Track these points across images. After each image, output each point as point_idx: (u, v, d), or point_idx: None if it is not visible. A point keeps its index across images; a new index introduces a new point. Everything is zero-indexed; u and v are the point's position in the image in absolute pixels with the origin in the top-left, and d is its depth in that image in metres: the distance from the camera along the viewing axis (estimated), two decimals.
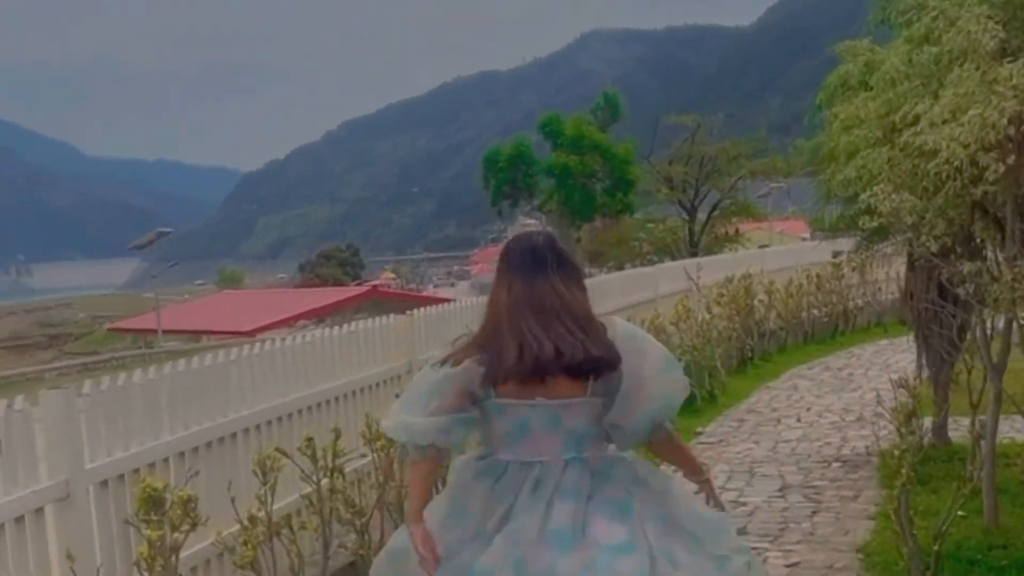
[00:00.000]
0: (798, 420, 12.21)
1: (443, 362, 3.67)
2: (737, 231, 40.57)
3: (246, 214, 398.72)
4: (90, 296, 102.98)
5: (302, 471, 5.79)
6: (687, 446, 4.17)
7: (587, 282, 3.85)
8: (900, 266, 19.80)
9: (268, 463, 5.32)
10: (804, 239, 61.69)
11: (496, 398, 3.63)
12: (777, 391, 14.20)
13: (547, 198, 41.11)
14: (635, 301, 14.05)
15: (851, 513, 8.35)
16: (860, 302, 19.97)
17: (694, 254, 34.70)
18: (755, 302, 16.58)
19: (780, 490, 9.15)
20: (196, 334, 39.47)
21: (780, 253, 22.13)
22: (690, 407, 12.85)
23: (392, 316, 7.72)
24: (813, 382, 14.86)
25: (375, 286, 54.11)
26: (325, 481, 5.89)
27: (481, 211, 43.90)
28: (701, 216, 39.47)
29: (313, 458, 5.75)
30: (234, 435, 5.84)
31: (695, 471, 4.03)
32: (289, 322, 36.44)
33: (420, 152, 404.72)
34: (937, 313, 9.35)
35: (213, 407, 5.66)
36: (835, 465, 9.94)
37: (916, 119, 5.80)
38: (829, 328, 19.15)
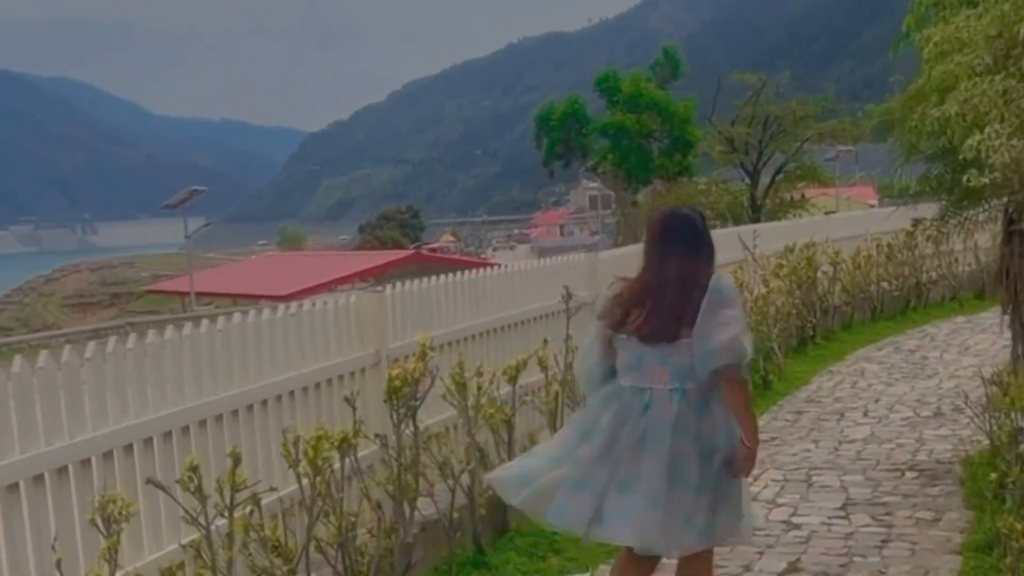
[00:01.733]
0: (865, 414, 10.54)
1: (599, 316, 4.90)
2: (803, 196, 38.43)
3: (310, 175, 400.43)
4: (153, 254, 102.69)
5: (185, 511, 4.24)
6: (745, 409, 4.78)
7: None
8: (980, 235, 18.17)
9: (115, 507, 3.75)
10: (872, 206, 59.77)
11: (622, 335, 4.76)
12: (841, 376, 12.58)
13: (601, 158, 39.21)
14: None
15: (931, 543, 6.75)
16: (934, 275, 18.32)
17: (756, 220, 32.87)
18: (818, 274, 14.85)
19: (842, 508, 7.56)
20: (232, 297, 38.12)
21: (847, 220, 20.26)
22: None
23: (355, 295, 6.16)
24: (882, 366, 13.17)
25: (418, 250, 52.35)
26: (222, 522, 4.34)
27: (544, 174, 42.53)
28: (765, 180, 37.46)
29: (199, 493, 4.20)
30: (86, 462, 4.27)
31: (747, 434, 4.71)
32: (329, 286, 34.98)
33: (485, 114, 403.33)
34: None
35: (49, 428, 4.09)
36: (909, 475, 8.31)
37: None
38: (900, 303, 17.50)
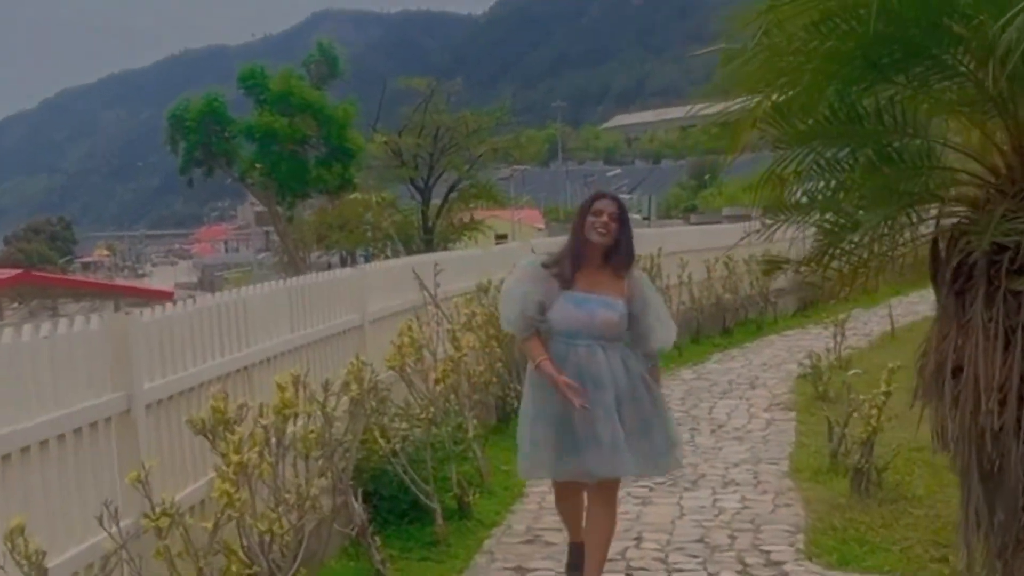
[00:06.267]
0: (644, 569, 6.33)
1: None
2: (472, 218, 34.42)
3: None
4: None
5: None
6: None
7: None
8: (694, 267, 14.59)
9: None
10: (540, 230, 57.46)
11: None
12: None
13: (249, 167, 34.05)
14: (323, 333, 7.43)
15: None
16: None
17: (429, 243, 28.85)
18: None
19: None
20: None
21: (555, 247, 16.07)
22: (424, 531, 6.87)
23: None
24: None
25: (29, 269, 45.24)
26: None
27: (209, 188, 37.37)
28: (436, 201, 33.51)
29: None
30: None
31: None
32: None
33: (145, 125, 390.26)
34: None
35: None
36: None
37: None
38: None
